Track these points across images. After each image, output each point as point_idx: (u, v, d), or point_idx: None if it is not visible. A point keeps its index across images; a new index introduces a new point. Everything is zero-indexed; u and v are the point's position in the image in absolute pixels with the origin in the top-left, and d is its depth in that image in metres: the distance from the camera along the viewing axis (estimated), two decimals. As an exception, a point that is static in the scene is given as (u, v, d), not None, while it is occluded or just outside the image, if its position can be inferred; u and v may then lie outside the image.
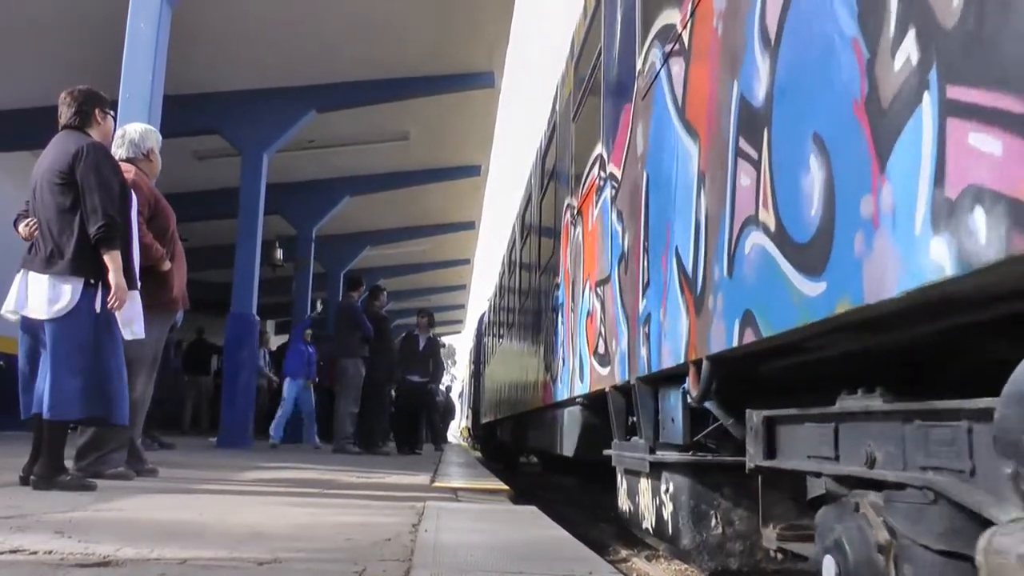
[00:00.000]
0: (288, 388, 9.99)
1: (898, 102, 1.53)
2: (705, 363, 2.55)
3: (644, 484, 3.49)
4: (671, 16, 3.08)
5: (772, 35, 2.12)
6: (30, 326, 3.44)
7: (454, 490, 4.37)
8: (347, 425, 8.59)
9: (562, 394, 5.47)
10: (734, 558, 2.81)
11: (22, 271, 3.41)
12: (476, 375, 18.04)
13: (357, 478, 4.87)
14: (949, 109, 1.38)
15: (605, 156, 4.20)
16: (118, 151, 4.31)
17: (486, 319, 16.13)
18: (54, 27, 7.79)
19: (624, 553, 4.94)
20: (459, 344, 59.64)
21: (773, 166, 2.09)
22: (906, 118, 1.50)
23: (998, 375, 1.32)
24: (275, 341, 14.92)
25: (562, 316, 5.62)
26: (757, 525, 2.52)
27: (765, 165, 2.13)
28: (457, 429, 34.80)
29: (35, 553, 1.78)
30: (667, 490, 3.11)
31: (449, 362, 46.92)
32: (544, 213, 7.06)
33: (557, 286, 5.88)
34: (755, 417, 2.34)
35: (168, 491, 3.51)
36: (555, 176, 6.32)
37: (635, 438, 3.57)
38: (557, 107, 6.45)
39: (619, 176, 3.85)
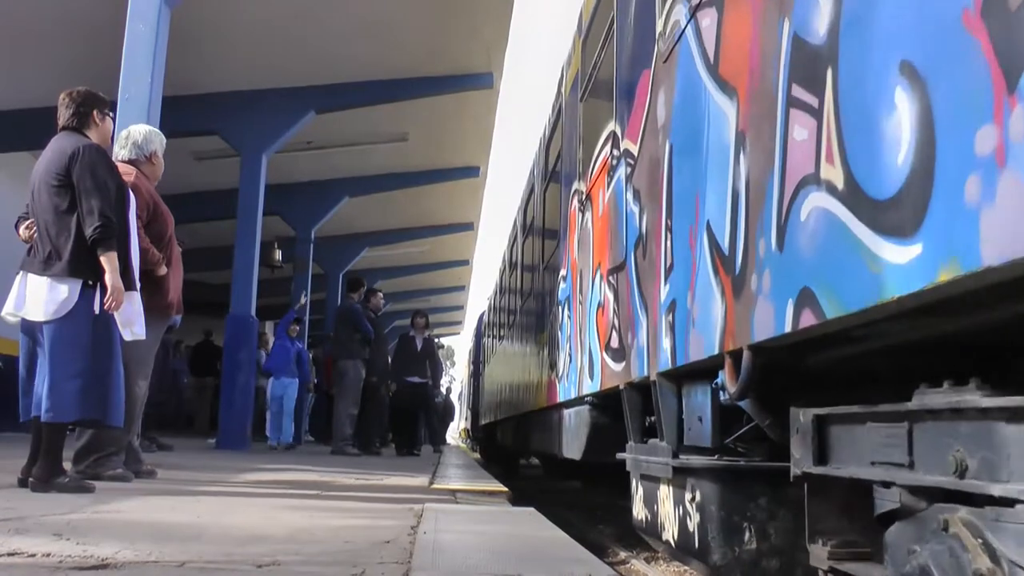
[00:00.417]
0: (272, 388, 9.60)
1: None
2: (746, 354, 2.22)
3: (664, 491, 3.18)
4: None
5: None
6: (29, 328, 3.44)
7: (453, 492, 4.37)
8: (346, 427, 8.58)
9: (569, 393, 5.21)
10: None
11: (21, 273, 3.41)
12: (475, 376, 17.99)
13: (355, 480, 4.87)
14: None
15: (619, 132, 3.91)
16: (121, 152, 4.31)
17: (486, 319, 16.09)
18: (53, 28, 7.79)
19: (623, 555, 4.95)
20: (458, 345, 59.65)
21: (840, 112, 1.76)
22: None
23: None
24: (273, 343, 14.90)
25: (569, 310, 5.33)
26: (796, 539, 2.29)
27: (828, 112, 1.80)
28: (456, 431, 34.80)
29: (33, 556, 1.78)
30: (693, 499, 2.79)
31: (448, 363, 46.92)
32: (548, 203, 6.76)
33: (563, 279, 5.60)
34: (802, 416, 2.03)
35: (167, 493, 3.51)
36: (560, 163, 6.03)
37: (653, 440, 3.30)
38: (562, 91, 6.15)
39: (635, 152, 3.56)
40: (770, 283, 2.07)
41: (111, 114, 3.82)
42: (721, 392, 2.52)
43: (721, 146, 2.45)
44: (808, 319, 1.84)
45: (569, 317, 5.30)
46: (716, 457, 2.67)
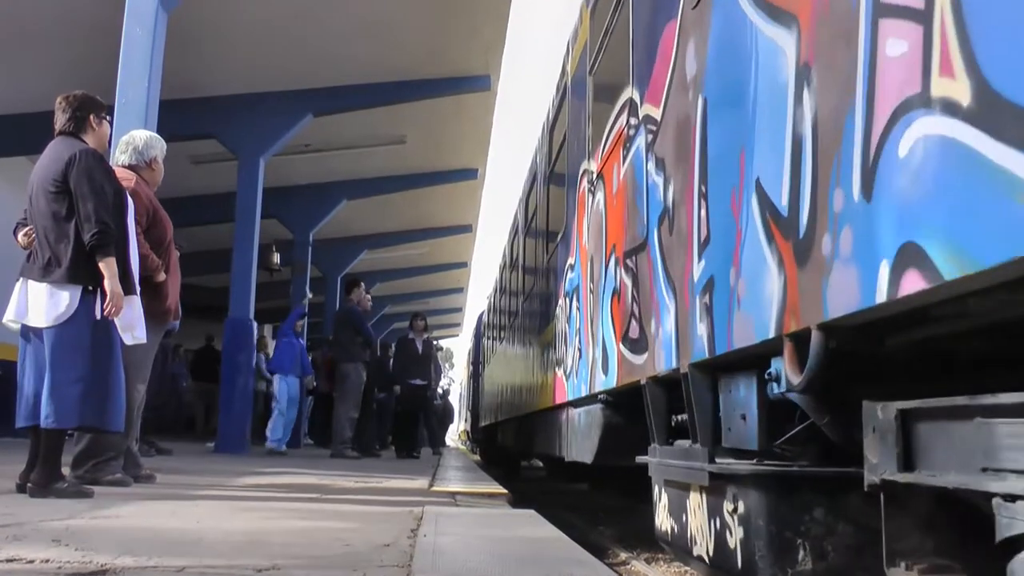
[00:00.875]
0: (279, 386, 9.08)
1: None
2: (816, 335, 1.84)
3: (696, 500, 2.77)
4: None
5: None
6: (26, 333, 3.44)
7: (452, 494, 4.37)
8: (346, 430, 8.58)
9: (578, 391, 4.78)
10: None
11: (21, 279, 3.41)
12: (475, 377, 17.93)
13: (355, 483, 4.87)
14: None
15: (637, 99, 3.58)
16: (121, 157, 4.30)
17: (485, 319, 16.05)
18: (50, 31, 7.78)
19: (623, 555, 4.94)
20: (456, 347, 59.64)
21: (964, 12, 1.35)
22: None
23: None
24: (272, 345, 14.88)
25: (578, 301, 4.91)
26: (859, 558, 2.06)
27: (942, 9, 1.40)
28: (456, 433, 34.79)
29: (32, 562, 1.78)
30: (735, 510, 2.42)
31: (447, 365, 46.90)
32: (553, 190, 6.33)
33: (571, 268, 5.17)
34: (880, 412, 1.70)
35: (166, 498, 3.50)
36: (566, 146, 5.63)
37: (680, 442, 2.95)
38: (567, 68, 5.77)
39: (658, 116, 3.22)
40: (851, 243, 1.69)
41: (108, 118, 3.81)
42: (774, 384, 2.15)
43: (775, 87, 2.10)
44: (913, 283, 1.46)
45: (578, 309, 4.90)
46: (759, 462, 2.30)
